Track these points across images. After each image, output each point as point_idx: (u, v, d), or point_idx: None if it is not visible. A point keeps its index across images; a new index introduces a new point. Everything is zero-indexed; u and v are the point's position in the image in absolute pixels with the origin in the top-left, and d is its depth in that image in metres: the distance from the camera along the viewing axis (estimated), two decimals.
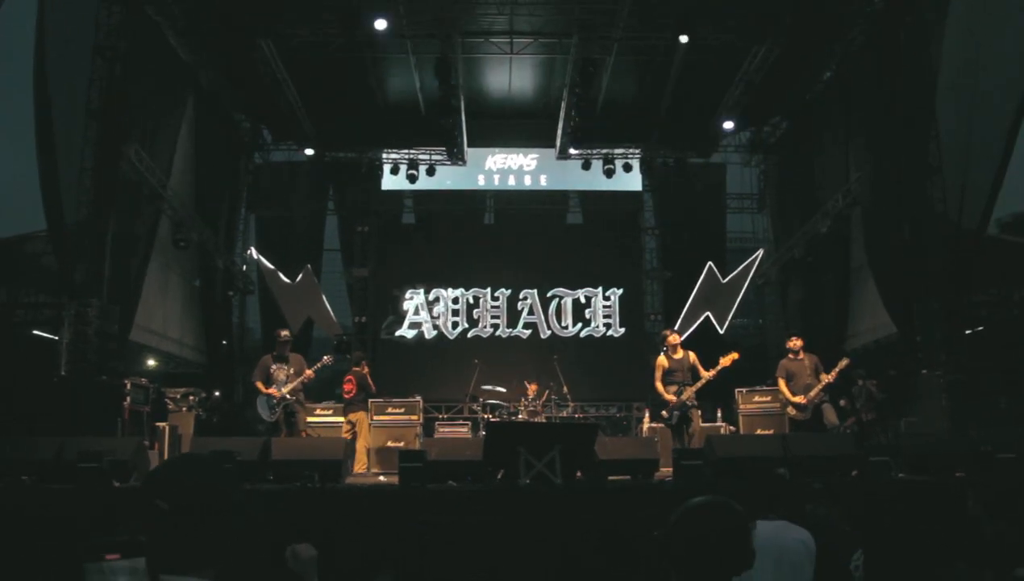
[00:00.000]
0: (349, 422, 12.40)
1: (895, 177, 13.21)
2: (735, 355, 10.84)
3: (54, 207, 11.28)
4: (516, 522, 7.32)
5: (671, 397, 10.63)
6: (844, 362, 10.85)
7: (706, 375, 10.70)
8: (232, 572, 1.95)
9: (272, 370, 10.81)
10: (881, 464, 8.67)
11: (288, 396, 10.66)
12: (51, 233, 11.70)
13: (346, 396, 12.65)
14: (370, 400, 12.85)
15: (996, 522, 4.44)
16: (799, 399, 10.66)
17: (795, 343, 11.14)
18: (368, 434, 12.40)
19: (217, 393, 14.38)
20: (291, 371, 10.82)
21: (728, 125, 16.99)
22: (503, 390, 14.29)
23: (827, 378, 10.69)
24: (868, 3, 13.51)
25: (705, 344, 17.85)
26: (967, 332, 12.61)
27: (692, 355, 10.97)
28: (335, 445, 9.68)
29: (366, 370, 12.85)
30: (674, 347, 10.95)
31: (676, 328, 17.59)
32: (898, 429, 12.57)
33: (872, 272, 14.20)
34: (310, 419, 12.46)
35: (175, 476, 1.94)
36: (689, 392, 10.62)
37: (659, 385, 10.82)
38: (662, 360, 10.93)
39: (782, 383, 10.98)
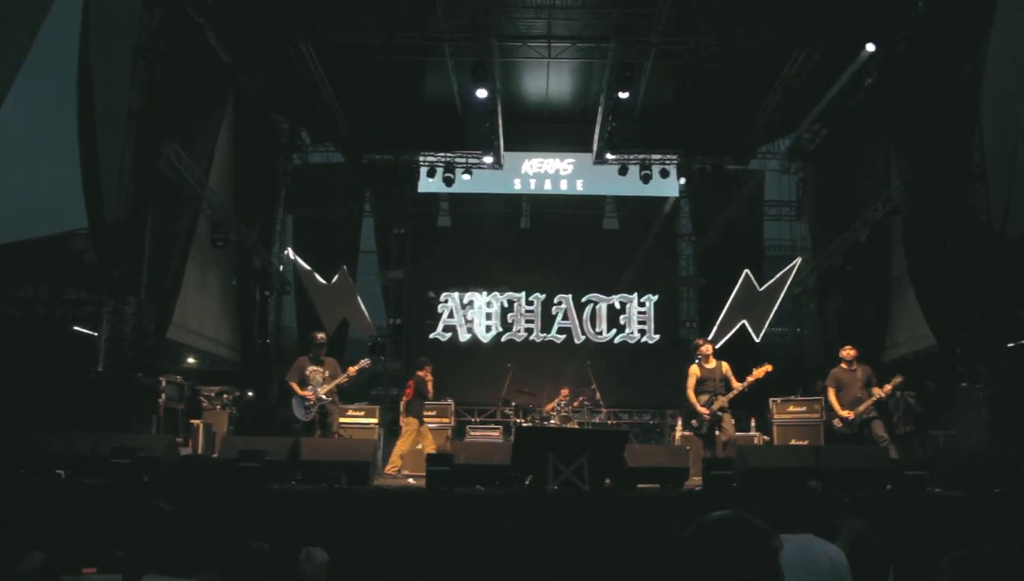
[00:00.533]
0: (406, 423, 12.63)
1: (937, 186, 12.97)
2: (768, 367, 10.85)
3: (95, 206, 11.44)
4: (542, 528, 7.28)
5: (703, 409, 10.67)
6: (898, 379, 10.67)
7: (737, 386, 10.74)
8: (237, 575, 1.94)
9: (308, 372, 11.01)
10: (916, 479, 8.53)
11: (324, 397, 10.84)
12: (92, 231, 11.89)
13: (404, 399, 12.86)
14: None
15: (1003, 537, 4.31)
16: (847, 414, 10.49)
17: (848, 353, 10.97)
18: (409, 439, 12.45)
19: (251, 393, 14.48)
20: (326, 374, 11.00)
21: None
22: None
23: (880, 393, 10.51)
24: (911, 9, 13.29)
25: (741, 353, 17.76)
26: (1009, 345, 12.33)
27: (725, 365, 11.02)
28: (364, 447, 9.73)
29: (428, 375, 12.98)
30: (706, 356, 10.95)
31: (711, 337, 17.60)
32: (937, 443, 12.34)
33: (912, 282, 13.95)
34: (342, 419, 12.56)
35: (179, 479, 1.94)
36: (721, 402, 10.58)
37: (691, 394, 10.88)
38: (694, 369, 10.96)
39: (831, 393, 10.81)
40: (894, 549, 4.98)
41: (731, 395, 10.75)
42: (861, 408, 10.43)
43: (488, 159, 18.30)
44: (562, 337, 18.63)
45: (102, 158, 11.44)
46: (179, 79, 12.96)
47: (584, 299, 18.80)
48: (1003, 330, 11.82)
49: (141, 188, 12.12)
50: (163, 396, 11.93)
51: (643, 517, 7.71)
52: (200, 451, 12.02)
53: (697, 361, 11.05)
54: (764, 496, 4.70)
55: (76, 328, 14.54)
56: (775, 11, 13.81)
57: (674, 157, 18.80)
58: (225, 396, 13.67)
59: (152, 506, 1.85)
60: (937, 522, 7.39)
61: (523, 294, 18.82)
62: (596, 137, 17.69)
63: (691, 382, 10.93)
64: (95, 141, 11.28)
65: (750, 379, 10.80)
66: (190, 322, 15.29)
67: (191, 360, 16.92)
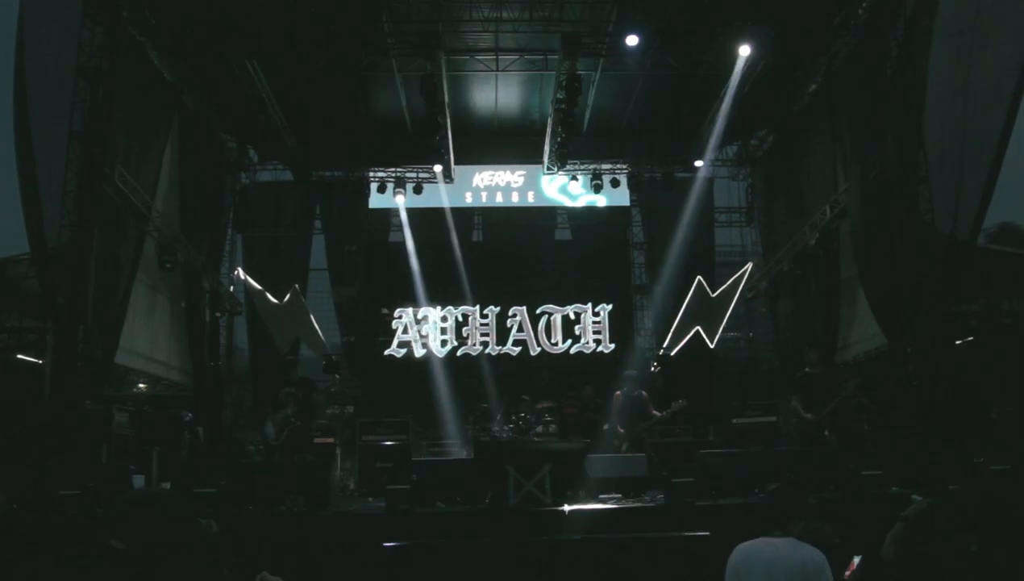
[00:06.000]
0: None
1: (882, 188, 13.20)
2: (683, 402, 11.54)
3: (36, 230, 11.14)
4: (505, 543, 7.22)
5: (621, 430, 11.44)
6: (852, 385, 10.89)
7: (654, 414, 11.52)
8: None
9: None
10: (873, 478, 8.62)
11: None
12: (33, 256, 11.57)
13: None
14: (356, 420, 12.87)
15: (960, 535, 4.37)
16: (810, 416, 10.71)
17: (813, 356, 11.20)
18: None
19: (189, 415, 13.99)
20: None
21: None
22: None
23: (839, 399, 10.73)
24: (853, 15, 13.53)
25: (696, 358, 17.92)
26: (957, 342, 12.56)
27: (644, 394, 11.72)
28: (322, 468, 9.56)
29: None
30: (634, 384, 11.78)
31: (665, 344, 17.85)
32: (891, 441, 12.49)
33: (861, 283, 14.16)
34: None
35: (130, 514, 1.84)
36: (641, 427, 11.44)
37: (614, 417, 11.65)
38: (618, 395, 11.66)
39: (798, 399, 11.00)
40: (857, 548, 5.02)
41: (648, 424, 11.46)
42: (827, 411, 10.67)
43: (438, 167, 18.14)
44: (518, 349, 18.56)
45: (43, 181, 11.13)
46: (122, 99, 12.70)
47: (539, 310, 18.74)
48: (951, 328, 12.04)
49: (85, 211, 11.83)
50: (113, 423, 11.61)
51: (606, 528, 7.68)
52: (154, 478, 11.75)
53: (623, 389, 11.63)
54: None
55: (20, 356, 14.12)
56: (720, 19, 13.95)
57: (624, 166, 18.93)
58: (178, 421, 13.37)
59: (104, 545, 1.75)
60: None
61: (477, 307, 18.72)
62: (546, 148, 17.74)
63: (615, 406, 11.59)
64: (33, 163, 10.98)
65: (667, 412, 11.53)
66: (139, 347, 14.96)
67: (141, 385, 16.55)
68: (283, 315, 18.26)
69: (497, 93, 17.26)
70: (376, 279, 19.05)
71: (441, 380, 17.43)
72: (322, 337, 18.58)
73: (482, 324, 18.71)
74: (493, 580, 6.97)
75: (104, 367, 12.73)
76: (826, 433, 10.98)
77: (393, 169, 18.66)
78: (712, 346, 18.38)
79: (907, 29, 12.55)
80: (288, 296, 18.23)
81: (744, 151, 19.64)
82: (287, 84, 15.42)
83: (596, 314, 18.85)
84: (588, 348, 18.65)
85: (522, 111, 18.26)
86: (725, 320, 18.70)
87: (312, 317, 18.46)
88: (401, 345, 18.57)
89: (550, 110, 16.39)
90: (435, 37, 14.03)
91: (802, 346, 12.60)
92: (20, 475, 8.50)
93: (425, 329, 18.63)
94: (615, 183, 18.80)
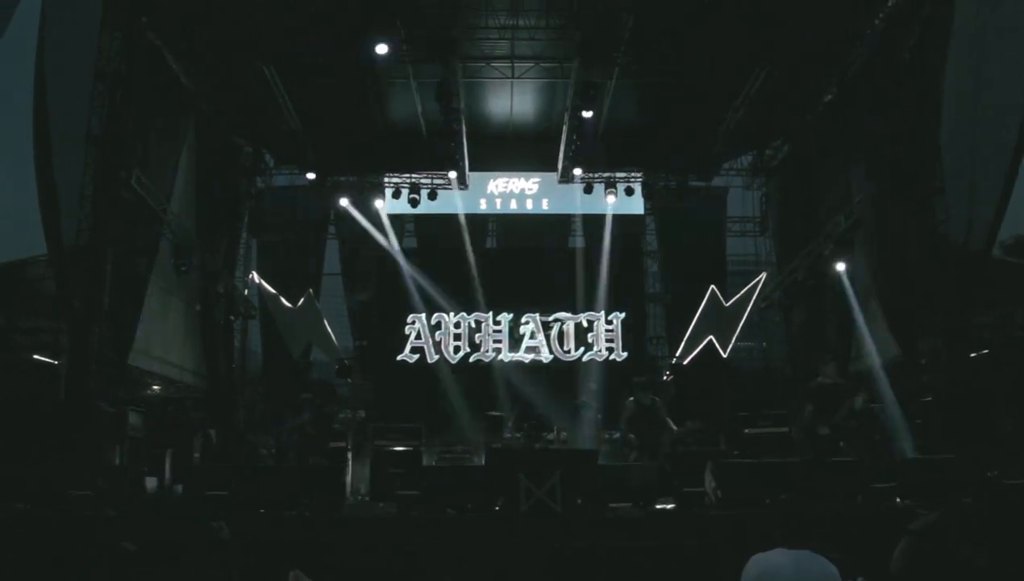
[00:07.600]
0: None
1: (897, 198, 13.14)
2: (698, 424, 12.01)
3: (54, 232, 11.23)
4: (515, 550, 7.22)
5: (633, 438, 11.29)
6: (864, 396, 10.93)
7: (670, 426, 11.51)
8: None
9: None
10: (885, 491, 8.58)
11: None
12: (51, 258, 11.66)
13: None
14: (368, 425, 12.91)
15: (971, 549, 4.33)
16: (824, 429, 10.72)
17: (828, 367, 11.22)
18: None
19: (202, 416, 14.09)
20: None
21: None
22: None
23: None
24: (869, 24, 13.50)
25: (709, 367, 17.86)
26: (972, 354, 12.48)
27: (657, 400, 11.63)
28: (334, 472, 9.58)
29: None
30: (646, 392, 11.59)
31: (679, 353, 17.79)
32: (904, 454, 12.43)
33: (875, 294, 14.09)
34: None
35: (144, 516, 1.86)
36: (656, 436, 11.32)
37: (624, 425, 11.52)
38: (630, 404, 11.46)
39: (811, 409, 10.99)
40: (863, 560, 4.99)
41: (662, 434, 11.36)
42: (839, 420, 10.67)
43: (452, 173, 18.19)
44: (530, 356, 18.52)
45: (61, 183, 11.22)
46: (139, 102, 12.80)
47: (552, 318, 18.70)
48: (966, 340, 11.96)
49: (101, 213, 11.93)
50: (127, 425, 11.68)
51: (616, 536, 7.68)
52: (167, 480, 11.80)
53: (635, 397, 11.42)
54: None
55: (35, 357, 14.23)
56: (736, 29, 13.94)
57: (639, 175, 18.92)
58: (191, 424, 13.45)
59: (116, 546, 1.77)
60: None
61: (490, 314, 18.67)
62: (561, 156, 17.75)
63: (626, 414, 11.44)
64: (51, 166, 11.08)
65: (680, 430, 11.70)
66: (153, 349, 15.03)
67: (155, 387, 16.63)
68: (296, 319, 18.32)
69: (512, 100, 17.29)
70: (389, 284, 19.05)
71: (453, 386, 17.43)
72: (335, 342, 18.62)
73: (495, 331, 18.67)
74: None
75: (118, 369, 12.81)
76: (840, 444, 10.92)
77: (408, 175, 18.72)
78: (725, 355, 18.32)
79: (921, 38, 12.51)
80: (302, 300, 18.29)
81: (759, 161, 19.59)
82: (303, 89, 15.51)
83: (609, 322, 18.78)
84: (600, 356, 18.59)
85: (537, 118, 18.27)
86: (738, 330, 18.64)
87: (325, 322, 18.50)
88: (414, 350, 18.56)
89: (565, 118, 16.42)
90: (450, 44, 14.09)
91: (815, 356, 12.53)
92: (33, 475, 8.55)
93: (438, 335, 18.61)
94: (629, 191, 18.80)
